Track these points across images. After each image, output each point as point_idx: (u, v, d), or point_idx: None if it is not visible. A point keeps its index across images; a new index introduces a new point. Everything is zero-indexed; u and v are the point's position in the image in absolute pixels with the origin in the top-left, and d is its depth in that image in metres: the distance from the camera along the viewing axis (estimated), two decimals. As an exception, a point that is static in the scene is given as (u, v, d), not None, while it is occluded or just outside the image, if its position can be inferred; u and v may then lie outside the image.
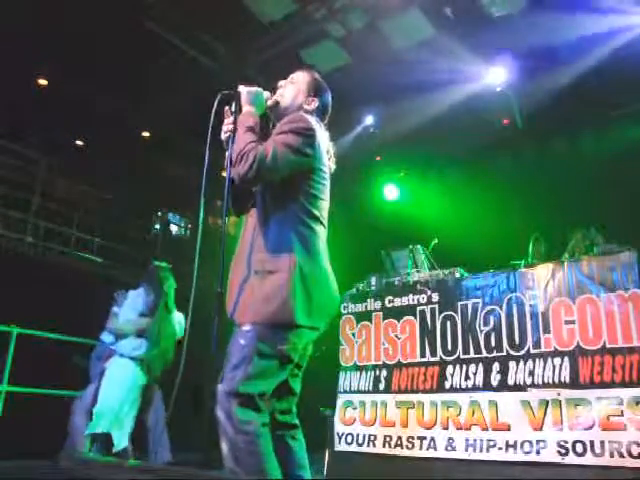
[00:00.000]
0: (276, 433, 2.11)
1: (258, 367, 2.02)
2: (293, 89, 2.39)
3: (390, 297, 4.99)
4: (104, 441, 4.09)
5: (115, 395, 4.12)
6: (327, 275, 2.22)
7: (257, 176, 2.09)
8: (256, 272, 2.11)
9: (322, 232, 2.26)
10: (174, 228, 10.90)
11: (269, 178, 2.15)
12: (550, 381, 3.97)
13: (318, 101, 2.39)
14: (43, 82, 7.29)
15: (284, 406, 2.20)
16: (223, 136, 2.29)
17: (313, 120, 2.28)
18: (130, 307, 4.46)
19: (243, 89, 2.29)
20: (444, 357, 4.53)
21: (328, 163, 2.33)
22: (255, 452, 1.92)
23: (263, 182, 2.18)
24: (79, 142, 8.87)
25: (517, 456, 3.90)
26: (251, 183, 2.17)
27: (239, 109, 2.28)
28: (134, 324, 4.35)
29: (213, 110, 2.22)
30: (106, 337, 4.69)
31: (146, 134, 8.48)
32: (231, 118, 2.27)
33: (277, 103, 2.37)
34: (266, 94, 2.34)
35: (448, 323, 4.59)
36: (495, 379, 4.21)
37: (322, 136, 2.30)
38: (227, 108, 2.30)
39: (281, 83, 2.42)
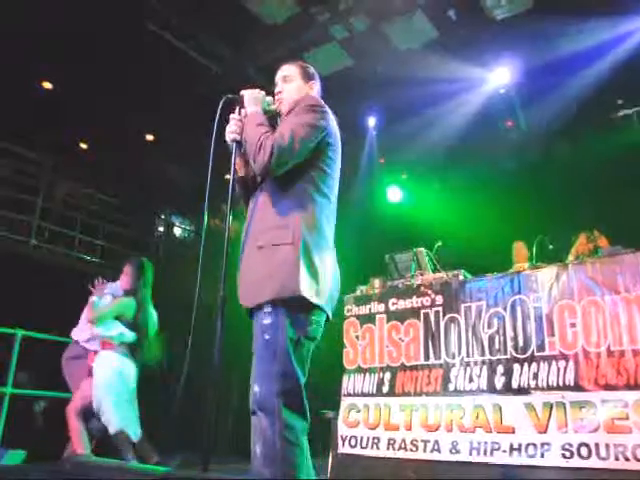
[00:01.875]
0: None
1: (290, 357, 1.98)
2: (291, 85, 2.38)
3: (394, 300, 4.98)
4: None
5: (118, 393, 4.13)
6: (331, 252, 2.20)
7: (279, 162, 2.07)
8: (260, 247, 2.08)
9: (328, 207, 2.22)
10: (177, 230, 10.92)
11: (291, 162, 2.11)
12: (554, 384, 3.95)
13: (317, 84, 2.43)
14: (47, 85, 7.32)
15: None
16: (228, 138, 2.28)
17: (319, 98, 2.31)
18: (110, 296, 4.49)
19: (246, 92, 2.30)
20: (448, 360, 4.51)
21: (338, 139, 2.31)
22: (291, 461, 1.88)
23: (286, 169, 2.11)
24: (83, 144, 8.90)
25: (521, 459, 3.88)
26: (274, 171, 2.11)
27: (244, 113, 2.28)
28: (114, 305, 4.37)
29: (217, 114, 2.23)
30: (78, 334, 4.67)
31: (150, 137, 8.50)
32: (235, 120, 2.26)
33: (280, 112, 2.35)
34: (269, 99, 2.34)
35: (452, 326, 4.58)
36: (499, 382, 4.20)
37: (331, 113, 2.29)
38: (233, 115, 2.28)
39: (278, 88, 2.40)
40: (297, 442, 1.91)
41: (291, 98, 2.34)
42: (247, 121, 2.22)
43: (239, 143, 2.24)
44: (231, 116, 2.28)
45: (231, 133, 2.26)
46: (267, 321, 2.01)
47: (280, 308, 2.01)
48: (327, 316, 2.17)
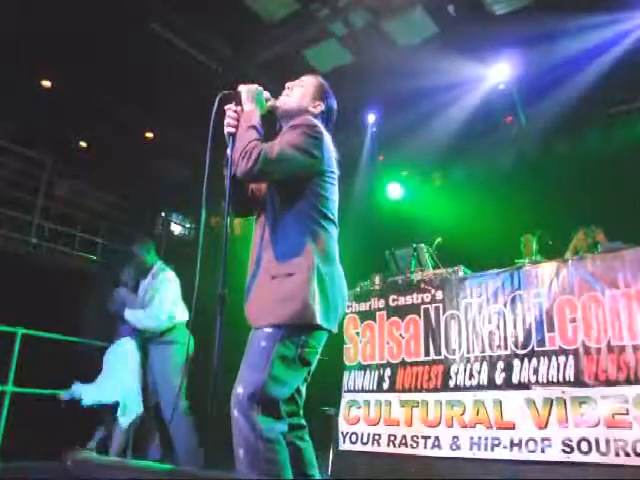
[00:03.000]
0: (289, 435, 2.10)
1: (280, 370, 2.00)
2: (300, 91, 2.40)
3: (394, 296, 4.99)
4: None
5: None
6: (340, 275, 2.23)
7: (261, 173, 2.08)
8: (273, 277, 2.09)
9: (335, 232, 2.26)
10: (177, 228, 10.92)
11: (273, 176, 2.14)
12: (555, 379, 3.96)
13: (324, 105, 2.41)
14: (47, 84, 7.31)
15: (292, 408, 2.18)
16: (226, 130, 2.27)
17: (319, 123, 2.29)
18: None
19: (243, 88, 2.29)
20: (448, 356, 4.52)
21: (335, 165, 2.33)
22: (274, 460, 1.91)
23: (267, 180, 2.18)
24: (83, 143, 8.90)
25: (522, 454, 3.88)
26: (255, 180, 2.16)
27: (240, 108, 2.28)
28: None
29: (214, 110, 2.23)
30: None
31: (149, 134, 8.49)
32: (233, 112, 2.26)
33: (277, 107, 2.36)
34: (266, 94, 2.34)
35: (452, 321, 4.59)
36: (499, 377, 4.21)
37: (329, 139, 2.30)
38: (229, 106, 2.28)
39: (289, 84, 2.42)
40: (278, 440, 1.95)
41: (291, 103, 2.36)
42: (241, 118, 2.22)
43: (234, 136, 2.23)
44: (226, 107, 2.28)
45: (227, 126, 2.26)
46: (268, 330, 2.03)
47: (287, 326, 2.03)
48: (331, 331, 2.19)
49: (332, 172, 2.28)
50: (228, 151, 2.23)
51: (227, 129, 2.26)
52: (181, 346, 4.32)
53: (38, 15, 5.94)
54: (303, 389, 2.25)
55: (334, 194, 2.29)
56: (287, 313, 2.02)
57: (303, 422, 2.24)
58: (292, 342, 2.02)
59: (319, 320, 2.03)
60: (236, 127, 2.22)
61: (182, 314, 4.49)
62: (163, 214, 10.43)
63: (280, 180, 2.17)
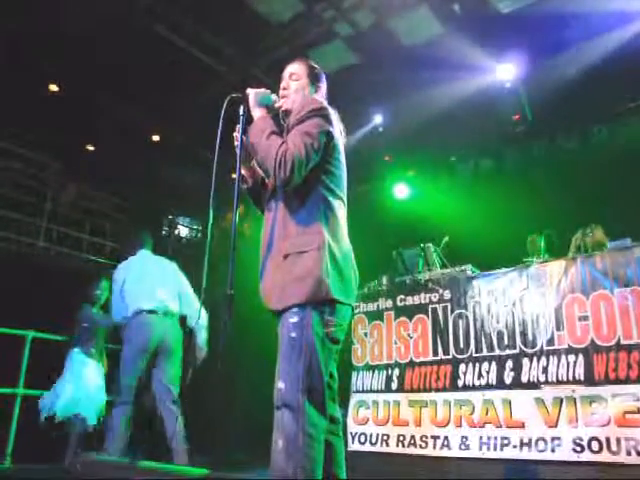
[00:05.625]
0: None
1: (314, 356, 2.01)
2: (298, 85, 2.40)
3: (402, 296, 4.98)
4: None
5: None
6: (350, 250, 2.25)
7: (300, 174, 2.10)
8: (286, 256, 2.11)
9: (343, 208, 2.28)
10: (184, 231, 10.94)
11: (307, 171, 2.15)
12: (564, 378, 3.94)
13: (323, 86, 2.45)
14: (54, 87, 7.34)
15: (329, 394, 2.17)
16: (236, 145, 2.30)
17: (323, 100, 2.32)
18: None
19: (251, 91, 2.30)
20: (457, 355, 4.51)
21: (342, 139, 2.35)
22: (311, 456, 1.92)
23: (303, 177, 2.16)
24: (90, 147, 8.94)
25: (532, 454, 3.87)
26: (295, 183, 2.15)
27: (247, 111, 2.28)
28: None
29: (222, 113, 2.23)
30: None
31: (156, 137, 8.52)
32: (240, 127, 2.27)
33: (285, 109, 2.37)
34: (274, 96, 2.34)
35: (460, 321, 4.57)
36: (508, 377, 4.19)
37: (334, 113, 2.31)
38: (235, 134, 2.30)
39: (284, 84, 2.42)
40: (318, 438, 1.95)
41: (295, 96, 2.35)
42: (259, 128, 2.20)
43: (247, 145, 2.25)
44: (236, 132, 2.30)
45: (237, 141, 2.29)
46: (294, 320, 2.04)
47: (308, 307, 2.04)
48: (351, 305, 2.21)
49: (340, 146, 2.30)
50: (237, 164, 2.26)
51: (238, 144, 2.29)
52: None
53: (45, 18, 5.97)
54: (334, 371, 2.24)
55: (342, 170, 2.30)
56: (303, 291, 2.03)
57: (338, 415, 2.24)
58: (317, 323, 2.04)
59: (335, 294, 2.05)
60: (242, 133, 2.25)
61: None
62: (170, 216, 10.46)
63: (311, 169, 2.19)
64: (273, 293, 2.12)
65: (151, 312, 4.21)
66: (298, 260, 2.07)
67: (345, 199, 2.30)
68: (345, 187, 2.32)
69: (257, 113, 2.26)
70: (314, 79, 2.43)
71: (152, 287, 4.33)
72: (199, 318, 4.17)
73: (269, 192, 2.33)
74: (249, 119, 2.27)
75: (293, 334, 2.02)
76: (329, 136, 2.20)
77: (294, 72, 2.42)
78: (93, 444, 4.69)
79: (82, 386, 4.82)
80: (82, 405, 4.75)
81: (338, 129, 2.30)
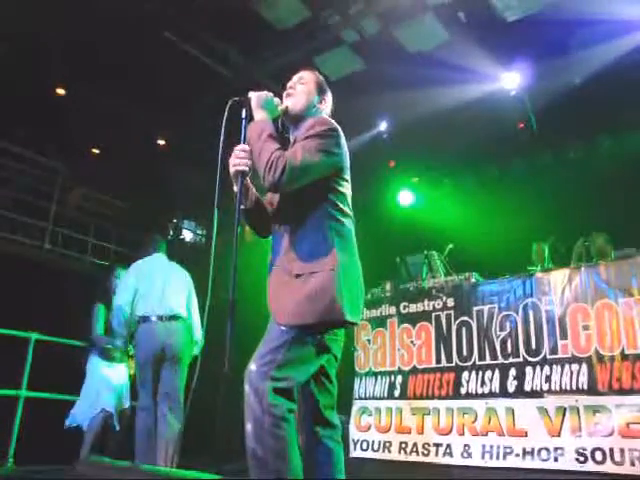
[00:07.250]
0: (322, 433, 2.13)
1: (297, 353, 2.01)
2: (304, 89, 2.39)
3: (405, 303, 4.97)
4: None
5: None
6: (360, 268, 2.24)
7: (289, 182, 2.07)
8: (298, 276, 2.09)
9: (352, 226, 2.27)
10: (188, 235, 10.96)
11: (300, 183, 2.12)
12: (567, 387, 3.92)
13: (328, 99, 2.46)
14: (61, 91, 7.39)
15: (328, 400, 2.19)
16: (232, 170, 2.22)
17: (332, 120, 2.30)
18: None
19: (253, 94, 2.29)
20: (460, 363, 4.49)
21: (348, 160, 2.34)
22: (279, 435, 1.91)
23: (296, 187, 2.13)
24: (96, 150, 8.98)
25: (534, 463, 3.85)
26: (283, 189, 2.13)
27: (250, 115, 2.27)
28: None
29: (224, 116, 2.24)
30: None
31: (162, 142, 8.55)
32: (242, 152, 2.22)
33: (287, 109, 2.36)
34: (276, 100, 2.33)
35: (464, 329, 4.56)
36: (511, 385, 4.17)
37: (342, 134, 2.30)
38: (240, 147, 2.24)
39: (290, 84, 2.42)
40: (285, 416, 1.95)
41: (299, 103, 2.35)
42: (258, 129, 2.19)
43: (243, 174, 2.20)
44: (236, 147, 2.23)
45: (235, 165, 2.21)
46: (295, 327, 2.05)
47: (315, 327, 2.04)
48: (356, 323, 2.20)
49: (348, 167, 2.31)
50: (235, 188, 2.21)
51: (234, 169, 2.21)
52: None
53: (53, 22, 6.01)
54: (333, 375, 2.23)
55: (349, 188, 2.31)
56: (316, 310, 2.02)
57: (336, 421, 2.22)
58: (314, 331, 2.05)
59: (346, 317, 2.05)
60: (246, 165, 2.19)
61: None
62: (175, 221, 10.49)
63: (305, 183, 2.16)
64: (284, 312, 2.08)
65: (159, 318, 4.21)
66: (311, 280, 2.06)
67: (352, 216, 2.29)
68: (351, 204, 2.31)
69: (259, 115, 2.25)
70: (321, 90, 2.43)
71: (162, 292, 4.32)
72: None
73: (274, 212, 2.31)
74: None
75: (284, 327, 2.03)
76: (337, 157, 2.20)
77: (303, 77, 2.43)
78: (110, 446, 4.68)
79: (104, 388, 4.70)
80: (105, 401, 4.64)
81: (345, 147, 2.29)
